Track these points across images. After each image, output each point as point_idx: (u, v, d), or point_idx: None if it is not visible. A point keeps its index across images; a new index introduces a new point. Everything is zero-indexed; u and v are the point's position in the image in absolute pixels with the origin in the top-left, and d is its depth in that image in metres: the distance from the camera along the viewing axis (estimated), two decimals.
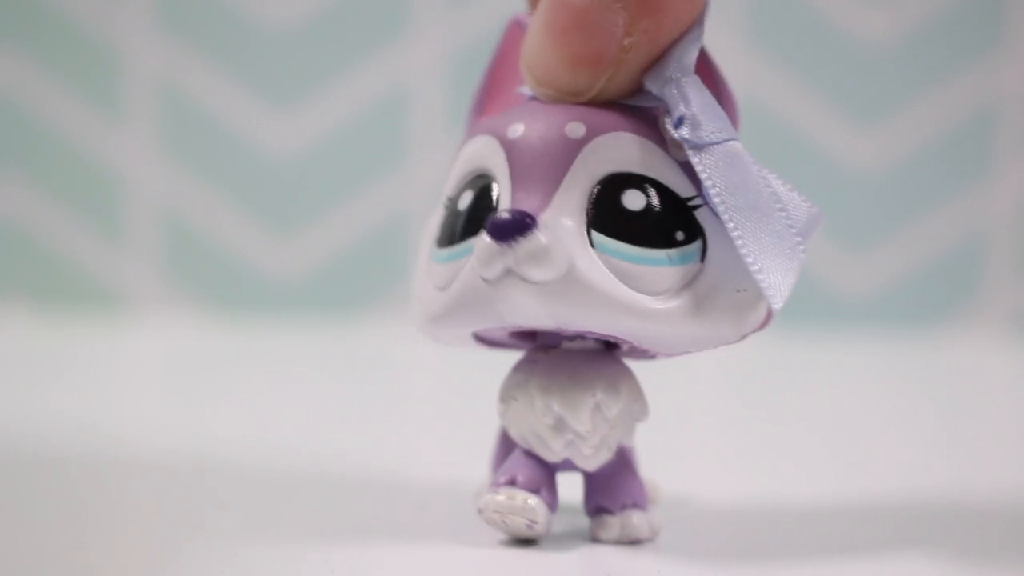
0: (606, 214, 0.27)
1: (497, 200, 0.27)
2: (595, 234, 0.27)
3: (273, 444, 0.41)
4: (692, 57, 0.27)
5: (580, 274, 0.26)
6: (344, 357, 0.65)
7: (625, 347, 0.29)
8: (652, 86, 0.27)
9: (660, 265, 0.27)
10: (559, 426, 0.28)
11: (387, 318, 0.74)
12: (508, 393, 0.29)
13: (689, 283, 0.27)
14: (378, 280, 0.74)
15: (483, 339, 0.29)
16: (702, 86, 0.27)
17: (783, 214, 0.28)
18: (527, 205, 0.27)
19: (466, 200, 0.28)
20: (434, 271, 0.28)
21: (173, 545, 0.29)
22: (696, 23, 0.27)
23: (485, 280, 0.27)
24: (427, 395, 0.57)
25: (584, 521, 0.30)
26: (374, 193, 0.74)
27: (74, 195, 0.74)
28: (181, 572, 0.27)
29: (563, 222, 0.27)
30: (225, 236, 0.74)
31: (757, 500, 0.34)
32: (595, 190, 0.27)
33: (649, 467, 0.32)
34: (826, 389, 0.60)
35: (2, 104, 0.74)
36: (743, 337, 0.28)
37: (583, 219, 0.27)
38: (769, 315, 0.28)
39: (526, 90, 0.28)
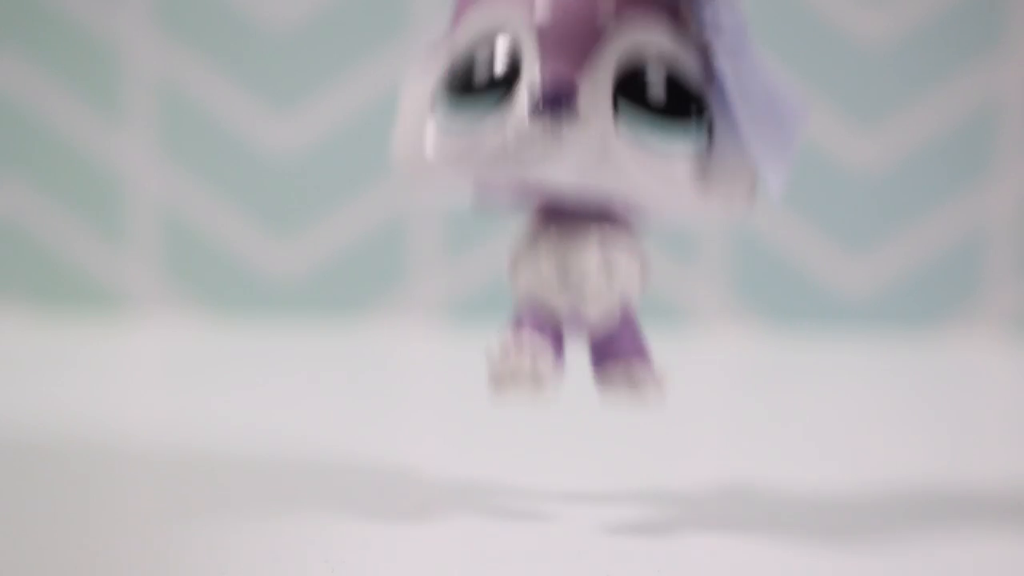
0: (632, 85, 0.29)
1: (524, 60, 0.29)
2: (621, 101, 0.29)
3: (273, 444, 0.41)
4: None
5: (611, 138, 0.28)
6: (344, 357, 0.65)
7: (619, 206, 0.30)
8: None
9: (676, 136, 0.29)
10: (564, 284, 0.30)
11: (387, 318, 0.74)
12: (516, 256, 0.30)
13: (699, 157, 0.29)
14: (378, 280, 0.74)
15: (480, 193, 0.31)
16: None
17: (783, 106, 0.30)
18: (563, 73, 0.28)
19: (485, 53, 0.29)
20: (444, 115, 0.30)
21: (173, 545, 0.29)
22: None
23: (520, 139, 0.28)
24: (427, 395, 0.57)
25: (586, 511, 0.29)
26: (374, 193, 0.74)
27: (74, 195, 0.74)
28: (181, 572, 0.27)
29: (596, 88, 0.28)
30: (225, 236, 0.74)
31: (757, 500, 0.34)
32: (623, 61, 0.29)
33: (648, 466, 0.32)
34: (826, 389, 0.60)
35: (1, 104, 0.74)
36: (733, 214, 0.30)
37: (610, 87, 0.29)
38: (752, 198, 0.31)
39: None
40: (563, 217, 0.30)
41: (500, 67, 0.29)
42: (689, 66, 0.29)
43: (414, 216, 0.74)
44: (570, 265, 0.29)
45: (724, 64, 0.29)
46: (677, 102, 0.29)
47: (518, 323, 0.30)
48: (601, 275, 0.29)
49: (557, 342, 0.30)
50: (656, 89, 0.29)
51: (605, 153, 0.28)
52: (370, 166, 0.74)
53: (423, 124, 0.31)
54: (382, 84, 0.74)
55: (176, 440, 0.42)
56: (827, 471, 0.40)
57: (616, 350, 0.30)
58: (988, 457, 0.45)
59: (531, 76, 0.29)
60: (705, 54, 0.30)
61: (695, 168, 0.29)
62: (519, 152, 0.29)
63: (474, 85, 0.29)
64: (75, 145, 0.74)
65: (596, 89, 0.29)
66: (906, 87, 0.74)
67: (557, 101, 0.28)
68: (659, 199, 0.29)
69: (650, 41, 0.29)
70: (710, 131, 0.30)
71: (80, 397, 0.51)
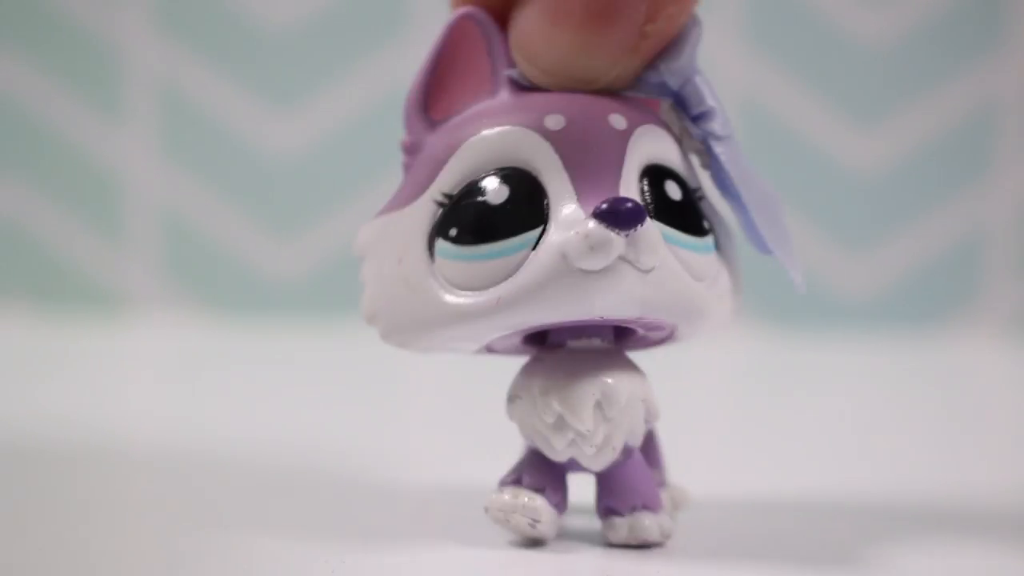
0: (658, 203, 0.27)
1: (551, 192, 0.27)
2: (657, 220, 0.27)
3: (273, 444, 0.41)
4: (696, 55, 0.28)
5: (670, 262, 0.27)
6: (344, 357, 0.65)
7: (639, 333, 0.29)
8: (671, 80, 0.28)
9: (704, 252, 0.28)
10: (560, 425, 0.28)
11: None
12: (514, 392, 0.28)
13: (718, 269, 0.28)
14: None
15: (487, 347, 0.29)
16: (708, 79, 0.28)
17: (771, 201, 0.29)
18: (610, 194, 0.27)
19: (500, 194, 0.27)
20: (452, 270, 0.27)
21: (172, 545, 0.29)
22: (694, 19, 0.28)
23: (587, 271, 0.26)
24: (428, 395, 0.57)
25: (584, 514, 0.29)
26: (374, 194, 0.74)
27: (74, 195, 0.74)
28: (180, 572, 0.27)
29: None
30: (225, 236, 0.74)
31: (758, 500, 0.34)
32: (642, 179, 0.27)
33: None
34: (826, 389, 0.60)
35: (2, 105, 0.74)
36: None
37: (645, 205, 0.27)
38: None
39: (514, 73, 0.28)
40: (561, 351, 0.28)
41: (520, 202, 0.27)
42: (687, 176, 0.28)
43: None
44: (565, 418, 0.27)
45: (727, 170, 0.27)
46: (695, 212, 0.28)
47: (517, 472, 0.28)
48: (599, 431, 0.27)
49: (557, 478, 0.28)
50: (677, 200, 0.27)
51: (666, 272, 0.27)
52: (370, 167, 0.74)
53: (420, 283, 0.27)
54: (382, 85, 0.74)
55: (175, 439, 0.42)
56: (828, 470, 0.40)
57: (622, 500, 0.28)
58: (988, 456, 0.45)
59: (575, 207, 0.26)
60: (690, 161, 0.28)
61: (718, 278, 0.28)
62: (570, 286, 0.26)
63: (493, 225, 0.27)
64: (75, 145, 0.74)
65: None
66: (906, 88, 0.74)
67: (631, 222, 0.26)
68: (696, 317, 0.28)
69: (661, 156, 0.28)
70: (716, 238, 0.28)
71: (79, 396, 0.51)
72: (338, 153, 0.74)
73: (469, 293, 0.27)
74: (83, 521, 0.31)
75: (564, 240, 0.26)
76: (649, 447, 0.31)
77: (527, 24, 0.27)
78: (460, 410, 0.51)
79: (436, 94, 0.29)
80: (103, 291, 0.74)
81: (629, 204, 0.26)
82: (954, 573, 0.28)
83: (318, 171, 0.74)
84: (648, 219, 0.26)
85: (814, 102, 0.74)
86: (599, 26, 0.27)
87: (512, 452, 0.30)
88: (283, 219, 0.75)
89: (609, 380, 0.28)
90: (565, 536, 0.29)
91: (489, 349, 0.29)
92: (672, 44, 0.28)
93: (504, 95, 0.28)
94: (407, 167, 0.29)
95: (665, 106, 0.28)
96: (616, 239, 0.26)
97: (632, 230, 0.26)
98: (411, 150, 0.29)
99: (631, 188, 0.27)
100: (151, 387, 0.58)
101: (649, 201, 0.27)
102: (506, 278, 0.27)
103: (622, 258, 0.26)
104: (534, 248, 0.26)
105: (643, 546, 0.28)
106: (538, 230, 0.27)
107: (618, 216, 0.26)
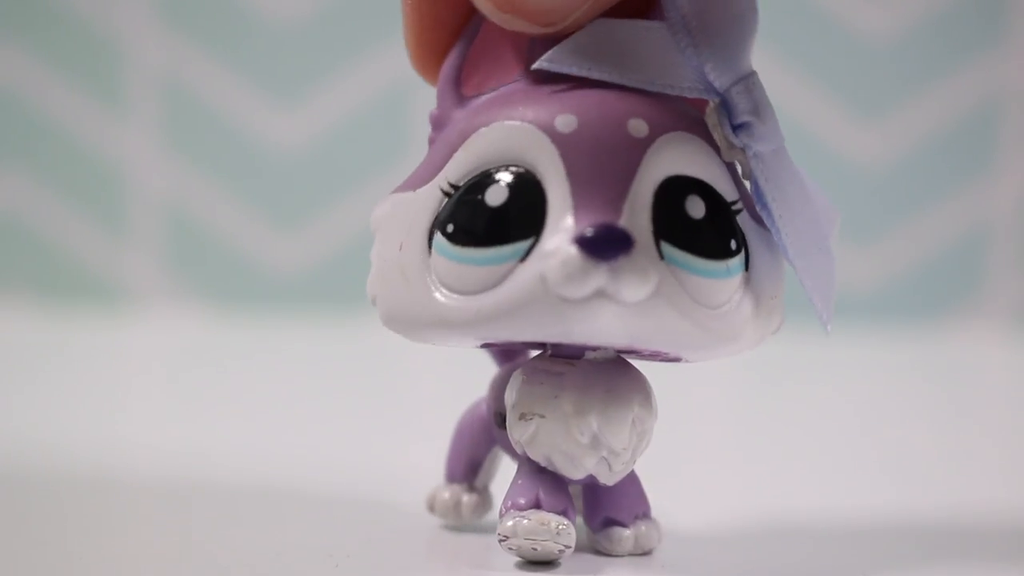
0: (671, 222, 0.25)
1: (550, 201, 0.25)
2: (663, 245, 0.25)
3: (275, 439, 0.41)
4: (751, 52, 0.26)
5: (664, 292, 0.25)
6: (346, 352, 0.65)
7: (646, 353, 0.27)
8: (718, 79, 0.25)
9: (721, 278, 0.25)
10: (595, 444, 0.26)
11: None
12: (532, 410, 0.27)
13: (742, 294, 0.26)
14: None
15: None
16: (761, 84, 0.26)
17: (817, 219, 0.26)
18: (604, 215, 0.24)
19: (499, 195, 0.25)
20: (444, 269, 0.26)
21: (173, 540, 0.29)
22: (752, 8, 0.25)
23: (565, 298, 0.24)
24: (429, 391, 0.57)
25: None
26: (376, 188, 0.74)
27: (77, 189, 0.74)
28: (182, 566, 0.27)
29: (637, 230, 0.24)
30: (228, 230, 0.74)
31: (759, 499, 0.34)
32: (657, 195, 0.25)
33: (647, 467, 0.32)
34: (829, 384, 0.60)
35: (5, 98, 0.74)
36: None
37: (651, 228, 0.25)
38: (782, 319, 0.27)
39: (542, 63, 0.26)
40: (585, 364, 0.26)
41: (517, 208, 0.25)
42: (723, 188, 0.26)
43: None
44: (602, 436, 0.26)
45: (762, 189, 0.25)
46: (719, 231, 0.25)
47: (531, 493, 0.26)
48: (632, 447, 0.26)
49: (567, 494, 0.27)
50: (697, 219, 0.25)
51: (657, 304, 0.24)
52: (373, 161, 0.74)
53: (415, 276, 0.26)
54: (385, 79, 0.74)
55: (177, 433, 0.42)
56: (831, 464, 0.40)
57: (625, 511, 0.27)
58: (992, 450, 0.45)
59: (567, 223, 0.24)
60: (732, 170, 0.26)
61: (738, 304, 0.26)
62: (551, 310, 0.24)
63: (486, 228, 0.25)
64: (78, 139, 0.74)
65: (637, 230, 0.24)
66: (910, 82, 0.74)
67: (612, 253, 0.24)
68: (702, 347, 0.26)
69: (687, 168, 0.25)
70: (747, 260, 0.26)
71: (82, 390, 0.51)
72: (341, 147, 0.74)
73: (456, 296, 0.26)
74: (85, 515, 0.31)
75: (544, 264, 0.24)
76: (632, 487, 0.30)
77: None
78: (460, 405, 0.51)
79: (470, 69, 0.27)
80: (106, 285, 0.74)
81: (614, 231, 0.24)
82: (951, 572, 0.28)
83: (321, 165, 0.74)
84: (635, 249, 0.24)
85: (817, 96, 0.74)
86: None
87: None
88: (286, 213, 0.75)
89: (643, 396, 0.27)
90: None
91: (489, 345, 0.27)
92: (721, 34, 0.25)
93: (526, 80, 0.26)
94: (431, 141, 0.27)
95: (711, 106, 0.26)
96: (595, 270, 0.24)
97: (614, 260, 0.24)
98: (437, 124, 0.27)
99: (639, 205, 0.25)
100: (154, 380, 0.58)
101: (660, 221, 0.25)
102: (492, 287, 0.25)
103: (601, 292, 0.24)
104: (523, 260, 0.25)
105: (645, 554, 0.28)
106: (529, 241, 0.25)
107: (598, 244, 0.24)
